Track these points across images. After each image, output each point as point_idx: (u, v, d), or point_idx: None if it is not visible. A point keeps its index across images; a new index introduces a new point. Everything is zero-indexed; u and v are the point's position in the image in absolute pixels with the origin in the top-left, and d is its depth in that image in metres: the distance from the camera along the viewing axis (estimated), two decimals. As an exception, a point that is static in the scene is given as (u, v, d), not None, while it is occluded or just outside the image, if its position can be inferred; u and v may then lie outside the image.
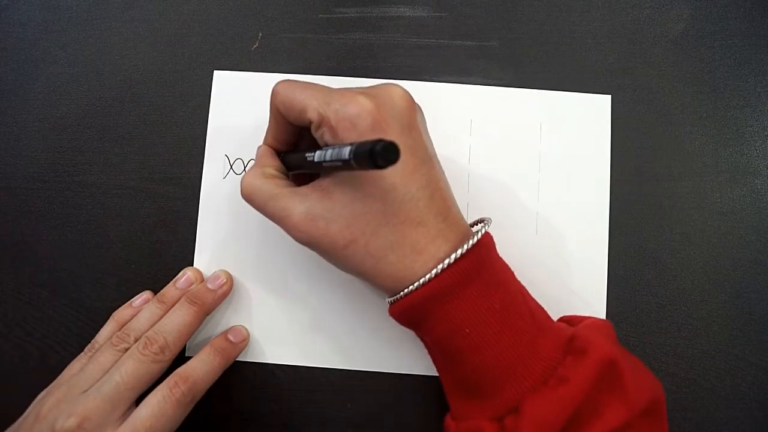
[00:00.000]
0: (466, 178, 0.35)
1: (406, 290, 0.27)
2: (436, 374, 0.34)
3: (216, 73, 0.37)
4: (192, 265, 0.35)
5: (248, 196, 0.29)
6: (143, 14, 0.37)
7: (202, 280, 0.35)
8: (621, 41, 0.37)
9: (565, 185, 0.36)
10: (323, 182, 0.27)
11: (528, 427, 0.25)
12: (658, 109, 0.36)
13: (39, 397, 0.30)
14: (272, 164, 0.30)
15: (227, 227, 0.35)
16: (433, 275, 0.26)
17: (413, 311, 0.27)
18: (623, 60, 0.37)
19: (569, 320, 0.30)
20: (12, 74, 0.37)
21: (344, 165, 0.23)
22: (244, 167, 0.36)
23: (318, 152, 0.26)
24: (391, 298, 0.28)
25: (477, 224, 0.30)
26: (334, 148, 0.24)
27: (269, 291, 0.35)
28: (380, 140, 0.21)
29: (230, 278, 0.34)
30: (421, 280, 0.26)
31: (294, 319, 0.35)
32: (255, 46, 0.37)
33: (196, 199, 0.36)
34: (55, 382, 0.31)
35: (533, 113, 0.36)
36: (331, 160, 0.25)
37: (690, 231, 0.36)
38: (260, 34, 0.37)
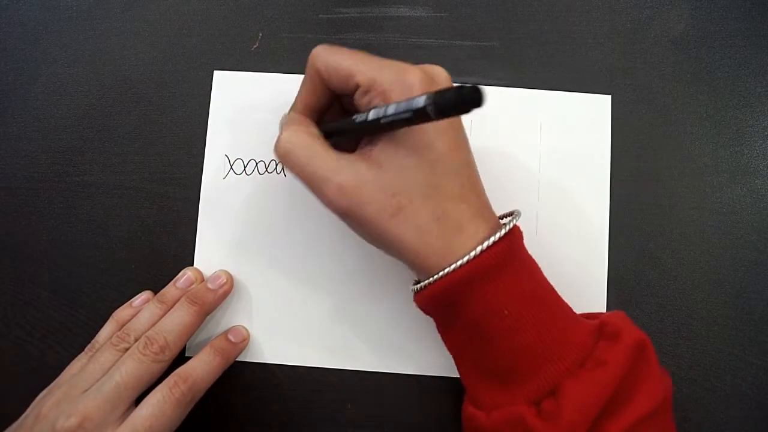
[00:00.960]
0: (466, 178, 0.35)
1: (447, 269, 0.26)
2: (437, 374, 0.34)
3: (216, 73, 0.37)
4: (192, 265, 0.35)
5: (286, 153, 0.27)
6: (143, 14, 0.37)
7: (202, 280, 0.35)
8: (621, 41, 0.37)
9: (565, 185, 0.36)
10: (370, 150, 0.26)
11: (569, 408, 0.25)
12: (658, 109, 0.36)
13: (39, 396, 0.30)
14: (311, 124, 0.28)
15: (227, 227, 0.35)
16: (476, 254, 0.25)
17: (452, 292, 0.26)
18: (623, 60, 0.37)
19: (587, 317, 0.31)
20: (12, 74, 0.37)
21: (413, 117, 0.23)
22: (244, 167, 0.36)
23: (374, 110, 0.25)
24: (424, 282, 0.27)
25: (505, 217, 0.30)
26: (399, 103, 0.24)
27: (269, 291, 0.35)
28: (462, 85, 0.21)
29: (230, 278, 0.34)
30: (464, 259, 0.26)
31: (294, 319, 0.35)
32: (255, 46, 0.37)
33: (196, 199, 0.36)
34: (55, 382, 0.31)
35: (533, 113, 0.36)
36: (395, 113, 0.24)
37: (690, 231, 0.36)
38: (260, 34, 0.37)
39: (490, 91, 0.36)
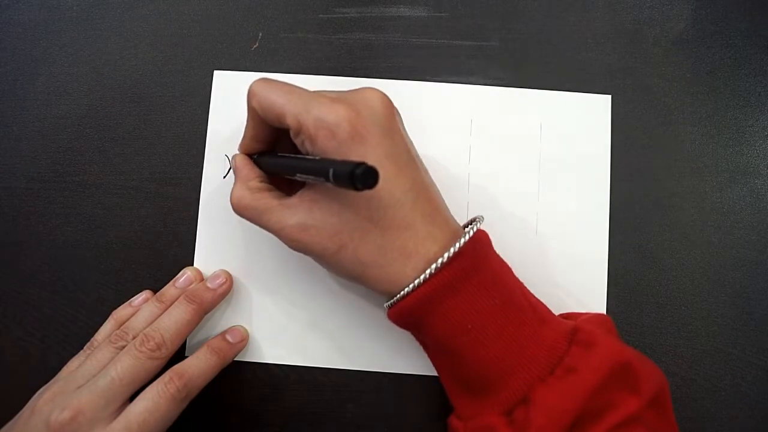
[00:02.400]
0: (466, 178, 0.35)
1: (401, 293, 0.27)
2: (437, 374, 0.34)
3: (216, 73, 0.37)
4: (192, 265, 0.35)
5: (240, 212, 0.29)
6: (143, 14, 0.37)
7: (202, 279, 0.35)
8: (621, 41, 0.37)
9: (565, 185, 0.36)
10: (310, 193, 0.28)
11: (540, 416, 0.25)
12: (658, 109, 0.36)
13: (37, 392, 0.31)
14: (255, 176, 0.30)
15: (227, 227, 0.35)
16: (427, 276, 0.26)
17: (411, 313, 0.27)
18: (623, 60, 0.37)
19: (567, 316, 0.31)
20: (12, 74, 0.37)
21: (323, 181, 0.24)
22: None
23: (294, 160, 0.27)
24: (388, 303, 0.28)
25: (470, 224, 0.30)
26: (315, 163, 0.25)
27: (269, 291, 0.35)
28: (361, 164, 0.21)
29: (230, 278, 0.34)
30: (415, 282, 0.26)
31: (294, 319, 0.35)
32: (255, 46, 0.37)
33: (196, 199, 0.36)
34: (53, 378, 0.31)
35: (533, 113, 0.36)
36: (308, 173, 0.25)
37: (690, 231, 0.36)
38: (260, 34, 0.37)
39: (490, 91, 0.36)
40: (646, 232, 0.35)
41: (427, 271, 0.26)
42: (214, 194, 0.36)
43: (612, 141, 0.36)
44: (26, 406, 0.30)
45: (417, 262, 0.27)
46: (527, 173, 0.36)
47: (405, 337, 0.34)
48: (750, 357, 0.35)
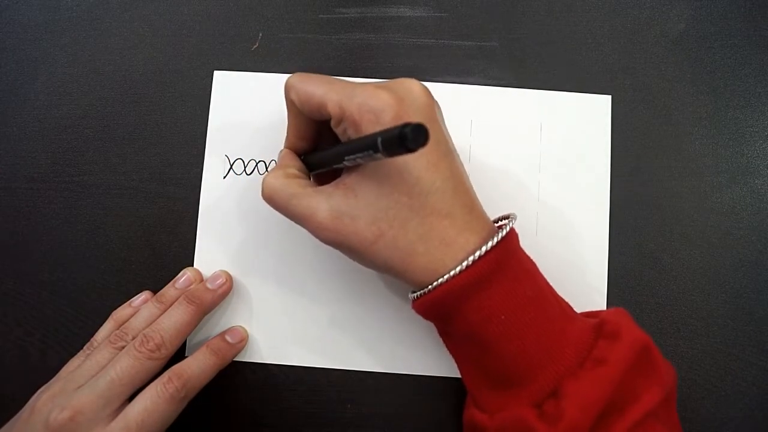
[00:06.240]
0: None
1: (437, 282, 0.26)
2: (438, 375, 0.34)
3: (216, 73, 0.37)
4: (192, 265, 0.35)
5: (269, 197, 0.28)
6: (143, 14, 0.37)
7: (202, 280, 0.35)
8: (621, 41, 0.37)
9: (565, 185, 0.36)
10: (347, 179, 0.27)
11: (571, 408, 0.25)
12: (658, 109, 0.36)
13: (37, 393, 0.31)
14: (293, 164, 0.30)
15: (227, 227, 0.35)
16: (467, 265, 0.26)
17: (445, 302, 0.27)
18: (623, 60, 0.37)
19: (587, 315, 0.31)
20: (12, 74, 0.37)
21: (373, 154, 0.23)
22: (244, 167, 0.36)
23: (340, 147, 0.26)
24: (419, 292, 0.28)
25: (501, 220, 0.30)
26: (359, 140, 0.24)
27: (269, 291, 0.35)
28: (407, 124, 0.20)
29: (230, 278, 0.34)
30: (454, 271, 0.26)
31: (294, 319, 0.35)
32: (255, 46, 0.37)
33: (196, 199, 0.36)
34: (53, 378, 0.31)
35: (533, 113, 0.36)
36: (355, 155, 0.24)
37: (690, 231, 0.36)
38: (260, 34, 0.37)
39: (490, 91, 0.36)
40: (646, 232, 0.35)
41: (466, 262, 0.26)
42: (214, 194, 0.36)
43: (612, 141, 0.36)
44: (26, 405, 0.30)
45: (456, 252, 0.26)
46: (527, 173, 0.36)
47: (406, 337, 0.34)
48: (750, 357, 0.35)
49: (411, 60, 0.37)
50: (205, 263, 0.35)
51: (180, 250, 0.35)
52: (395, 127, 0.21)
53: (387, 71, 0.37)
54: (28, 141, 0.36)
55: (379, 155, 0.22)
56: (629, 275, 0.35)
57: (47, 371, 0.32)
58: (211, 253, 0.35)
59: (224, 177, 0.36)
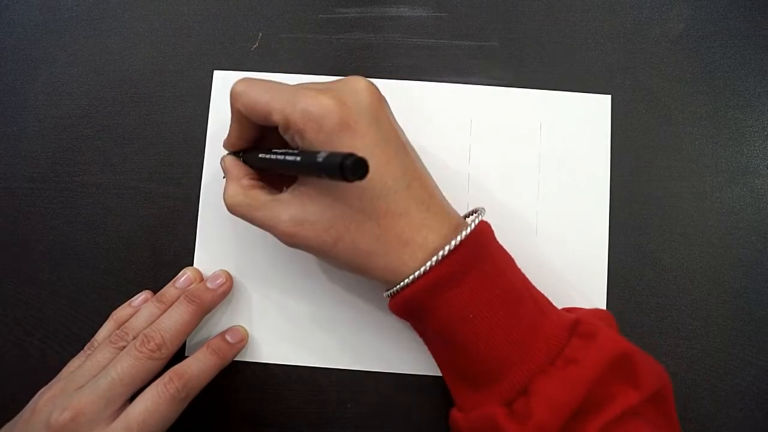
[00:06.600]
0: (466, 178, 0.35)
1: (402, 283, 0.27)
2: (438, 374, 0.34)
3: (216, 73, 0.37)
4: (192, 265, 0.35)
5: (233, 210, 0.29)
6: (143, 14, 0.37)
7: (202, 279, 0.35)
8: (621, 41, 0.37)
9: (565, 185, 0.36)
10: (302, 187, 0.27)
11: (540, 406, 0.25)
12: (658, 109, 0.36)
13: (38, 393, 0.31)
14: (245, 173, 0.30)
15: (227, 227, 0.35)
16: (430, 266, 0.26)
17: (412, 303, 0.27)
18: (623, 60, 0.37)
19: (569, 311, 0.31)
20: (12, 74, 0.37)
21: (317, 175, 0.24)
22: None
23: (285, 156, 0.26)
24: (389, 292, 0.28)
25: (471, 215, 0.30)
26: (304, 157, 0.25)
27: (269, 291, 0.35)
28: (350, 155, 0.21)
29: (230, 278, 0.34)
30: (418, 272, 0.26)
31: (294, 318, 0.35)
32: (255, 46, 0.37)
33: (196, 199, 0.36)
34: (54, 379, 0.31)
35: (533, 113, 0.36)
36: (299, 168, 0.25)
37: (690, 231, 0.36)
38: (260, 34, 0.37)
39: (490, 91, 0.36)
40: (646, 232, 0.35)
41: (429, 263, 0.26)
42: (214, 194, 0.36)
43: (612, 141, 0.36)
44: (27, 406, 0.30)
45: (415, 251, 0.27)
46: (527, 173, 0.36)
47: (406, 336, 0.34)
48: (750, 357, 0.35)
49: (411, 60, 0.37)
50: (205, 263, 0.35)
51: (180, 250, 0.35)
52: (337, 156, 0.21)
53: (387, 71, 0.37)
54: (28, 141, 0.36)
55: (323, 176, 0.23)
56: (629, 275, 0.35)
57: (47, 371, 0.32)
58: (211, 253, 0.35)
59: (224, 177, 0.36)
